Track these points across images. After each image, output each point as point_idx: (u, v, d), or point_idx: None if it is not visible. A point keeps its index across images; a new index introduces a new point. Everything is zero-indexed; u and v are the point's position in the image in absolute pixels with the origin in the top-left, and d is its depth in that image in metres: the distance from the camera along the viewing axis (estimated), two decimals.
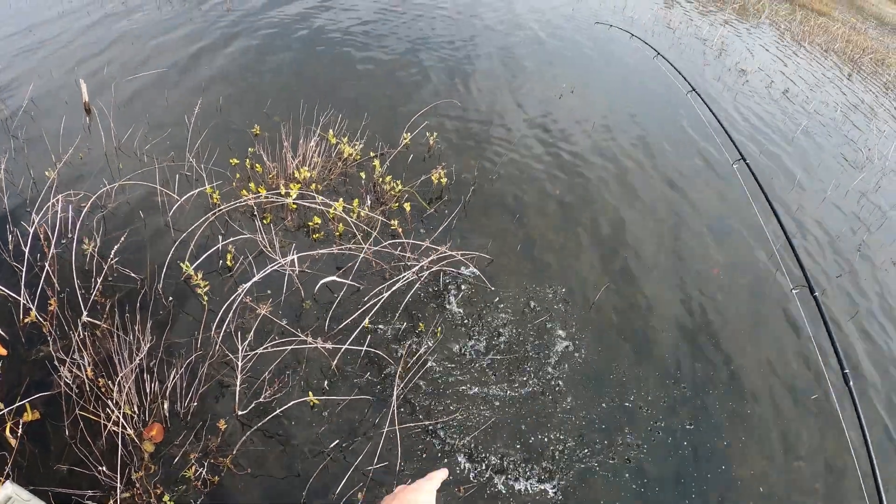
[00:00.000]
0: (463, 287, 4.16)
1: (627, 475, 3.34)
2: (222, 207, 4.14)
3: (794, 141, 8.78)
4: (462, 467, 3.11)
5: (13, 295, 3.20)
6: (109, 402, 2.79)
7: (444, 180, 5.08)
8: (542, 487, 3.14)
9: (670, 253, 5.32)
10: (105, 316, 3.34)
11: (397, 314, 3.79)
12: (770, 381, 4.26)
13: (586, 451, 3.38)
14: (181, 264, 3.52)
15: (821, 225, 6.53)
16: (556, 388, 3.69)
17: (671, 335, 4.38)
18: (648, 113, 7.86)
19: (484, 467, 3.14)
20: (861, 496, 3.80)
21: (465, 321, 3.97)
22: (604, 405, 3.69)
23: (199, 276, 3.46)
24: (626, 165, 6.48)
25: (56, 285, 3.45)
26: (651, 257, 5.15)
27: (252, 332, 3.35)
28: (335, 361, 3.43)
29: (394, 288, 3.71)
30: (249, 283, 3.44)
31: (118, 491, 2.59)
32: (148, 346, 3.08)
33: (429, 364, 3.57)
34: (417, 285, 3.91)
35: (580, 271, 4.74)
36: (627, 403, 3.75)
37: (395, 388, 3.28)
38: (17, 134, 4.67)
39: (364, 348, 3.45)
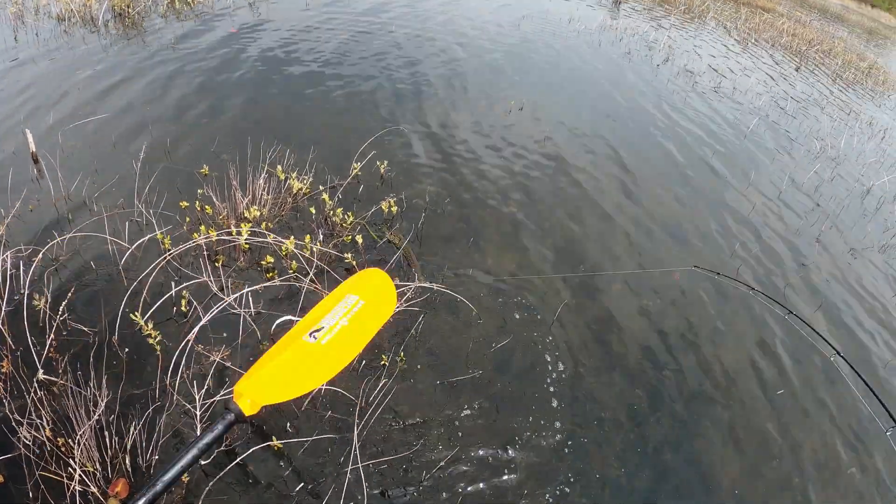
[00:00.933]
0: (421, 315, 4.26)
1: (603, 495, 3.50)
2: (172, 251, 4.18)
3: (745, 139, 9.17)
4: (427, 498, 3.21)
5: None
6: (71, 461, 2.83)
7: (395, 209, 5.19)
8: None
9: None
10: (61, 372, 3.36)
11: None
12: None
13: (559, 472, 3.53)
14: (131, 315, 3.55)
15: (779, 220, 6.96)
16: (522, 410, 3.84)
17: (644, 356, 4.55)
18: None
19: (450, 497, 3.24)
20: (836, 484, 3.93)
21: (426, 348, 4.09)
22: (574, 425, 3.84)
23: (150, 326, 3.49)
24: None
25: (10, 344, 3.46)
26: None
27: (209, 379, 3.40)
28: (303, 406, 3.51)
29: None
30: (197, 328, 3.50)
31: None
32: (105, 401, 3.11)
33: (391, 395, 3.66)
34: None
35: (543, 289, 4.90)
36: (598, 421, 3.92)
37: (356, 427, 3.37)
38: None
39: (324, 386, 3.52)
